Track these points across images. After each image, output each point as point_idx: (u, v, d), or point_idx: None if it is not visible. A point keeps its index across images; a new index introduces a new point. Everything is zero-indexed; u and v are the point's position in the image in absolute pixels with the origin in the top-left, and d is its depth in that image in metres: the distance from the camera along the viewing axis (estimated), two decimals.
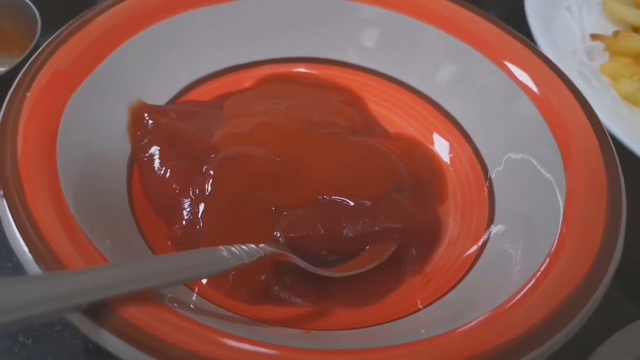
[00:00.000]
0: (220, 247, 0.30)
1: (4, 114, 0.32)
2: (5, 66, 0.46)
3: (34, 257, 0.26)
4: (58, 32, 0.37)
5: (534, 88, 0.39)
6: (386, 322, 0.33)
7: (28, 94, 0.33)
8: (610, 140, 0.36)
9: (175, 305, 0.27)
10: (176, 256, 0.30)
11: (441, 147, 0.43)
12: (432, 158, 0.44)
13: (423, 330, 0.32)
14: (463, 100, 0.43)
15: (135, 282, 0.26)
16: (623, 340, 0.33)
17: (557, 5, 0.59)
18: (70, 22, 0.38)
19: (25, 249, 0.26)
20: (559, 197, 0.34)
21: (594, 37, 0.56)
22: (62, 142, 0.33)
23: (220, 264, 0.29)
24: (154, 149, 0.38)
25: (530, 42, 0.42)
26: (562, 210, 0.33)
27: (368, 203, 0.37)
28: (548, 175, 0.35)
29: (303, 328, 0.32)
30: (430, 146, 0.44)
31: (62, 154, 0.32)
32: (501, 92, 0.41)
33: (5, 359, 0.33)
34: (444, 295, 0.35)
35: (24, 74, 0.34)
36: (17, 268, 0.27)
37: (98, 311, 0.25)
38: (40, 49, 0.35)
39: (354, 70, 0.47)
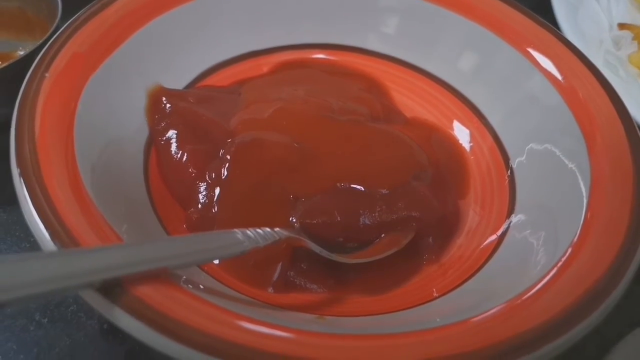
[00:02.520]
0: (236, 229, 0.30)
1: (22, 94, 0.32)
2: (26, 50, 0.47)
3: (50, 235, 0.26)
4: (77, 14, 0.37)
5: (559, 76, 0.38)
6: (401, 310, 0.33)
7: (47, 75, 0.33)
8: (638, 130, 0.35)
9: (190, 286, 0.27)
10: (191, 237, 0.30)
11: (462, 135, 0.43)
12: (454, 147, 0.43)
13: (438, 319, 0.31)
14: (485, 88, 0.42)
15: (150, 262, 0.26)
16: None
17: None
18: (90, 4, 0.38)
19: (42, 226, 0.26)
20: (583, 187, 0.33)
21: (622, 26, 0.54)
22: (80, 123, 0.33)
23: (235, 246, 0.29)
24: (172, 133, 0.38)
25: (555, 29, 0.41)
26: (585, 201, 0.32)
27: (386, 191, 0.36)
28: (571, 165, 0.35)
29: (317, 313, 0.32)
30: (452, 133, 0.43)
31: (80, 135, 0.32)
32: (524, 80, 0.40)
33: (21, 338, 0.34)
34: (461, 284, 0.34)
35: (43, 55, 0.34)
36: (35, 248, 0.27)
37: (112, 289, 0.24)
38: (60, 31, 0.35)
39: (374, 58, 0.46)
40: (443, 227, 0.38)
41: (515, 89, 0.41)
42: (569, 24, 0.52)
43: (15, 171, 0.28)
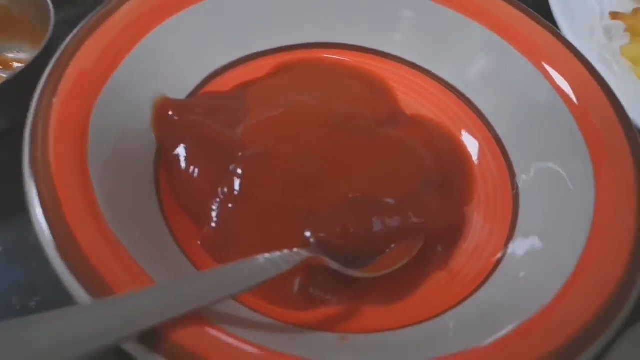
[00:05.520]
0: (258, 256, 0.30)
1: (32, 125, 0.31)
2: (14, 52, 0.45)
3: (79, 281, 0.26)
4: (78, 27, 0.35)
5: (573, 97, 0.38)
6: (417, 323, 0.34)
7: (54, 100, 0.32)
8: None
9: (223, 322, 0.27)
10: (218, 271, 0.30)
11: (470, 145, 0.43)
12: (457, 147, 0.43)
13: (451, 334, 0.33)
14: (496, 99, 0.42)
15: (184, 304, 0.26)
16: None
17: None
18: (90, 16, 0.36)
19: (71, 275, 0.26)
20: (586, 214, 0.34)
21: (614, 15, 0.55)
22: (93, 148, 0.32)
23: (260, 274, 0.30)
24: (181, 148, 0.37)
25: (573, 46, 0.40)
26: (588, 228, 0.33)
27: (397, 199, 0.37)
28: (576, 190, 0.35)
29: (339, 331, 0.33)
30: (458, 136, 0.43)
31: (93, 161, 0.32)
32: (536, 95, 0.40)
33: None
34: (470, 294, 0.35)
35: (48, 77, 0.32)
36: (44, 267, 0.27)
37: (150, 338, 0.25)
38: (62, 47, 0.34)
39: (383, 59, 0.45)
40: (450, 233, 0.39)
41: (526, 102, 0.40)
42: (562, 10, 0.52)
43: (37, 211, 0.28)
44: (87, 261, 0.27)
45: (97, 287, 0.26)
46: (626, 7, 0.56)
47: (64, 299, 0.26)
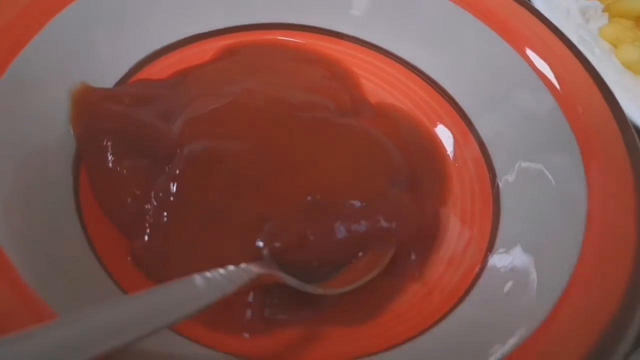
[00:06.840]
0: (195, 275, 0.25)
1: None
2: None
3: None
4: None
5: (557, 83, 0.34)
6: (391, 347, 0.29)
7: None
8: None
9: None
10: (147, 295, 0.24)
11: (444, 138, 0.38)
12: (428, 139, 0.39)
13: None
14: (472, 87, 0.38)
15: (97, 342, 0.20)
16: None
17: None
18: None
19: None
20: (578, 214, 0.30)
21: None
22: None
23: (200, 298, 0.24)
24: (105, 145, 0.32)
25: (558, 28, 0.36)
26: (582, 229, 0.29)
27: (362, 201, 0.32)
28: (565, 186, 0.31)
29: None
30: (430, 129, 0.39)
31: None
32: (519, 84, 0.35)
33: None
34: (450, 310, 0.31)
35: None
36: None
37: None
38: None
39: (342, 41, 0.41)
40: (424, 239, 0.34)
41: (506, 90, 0.36)
42: None
43: None
44: None
45: None
46: None
47: None
